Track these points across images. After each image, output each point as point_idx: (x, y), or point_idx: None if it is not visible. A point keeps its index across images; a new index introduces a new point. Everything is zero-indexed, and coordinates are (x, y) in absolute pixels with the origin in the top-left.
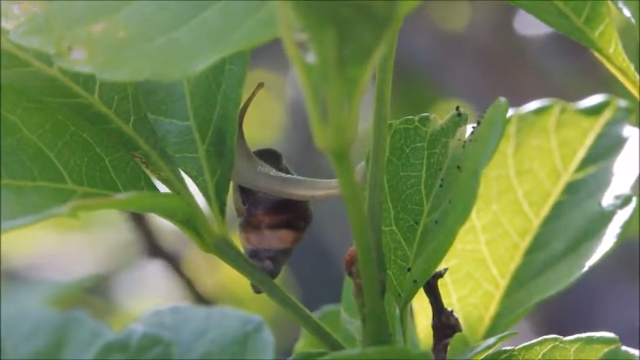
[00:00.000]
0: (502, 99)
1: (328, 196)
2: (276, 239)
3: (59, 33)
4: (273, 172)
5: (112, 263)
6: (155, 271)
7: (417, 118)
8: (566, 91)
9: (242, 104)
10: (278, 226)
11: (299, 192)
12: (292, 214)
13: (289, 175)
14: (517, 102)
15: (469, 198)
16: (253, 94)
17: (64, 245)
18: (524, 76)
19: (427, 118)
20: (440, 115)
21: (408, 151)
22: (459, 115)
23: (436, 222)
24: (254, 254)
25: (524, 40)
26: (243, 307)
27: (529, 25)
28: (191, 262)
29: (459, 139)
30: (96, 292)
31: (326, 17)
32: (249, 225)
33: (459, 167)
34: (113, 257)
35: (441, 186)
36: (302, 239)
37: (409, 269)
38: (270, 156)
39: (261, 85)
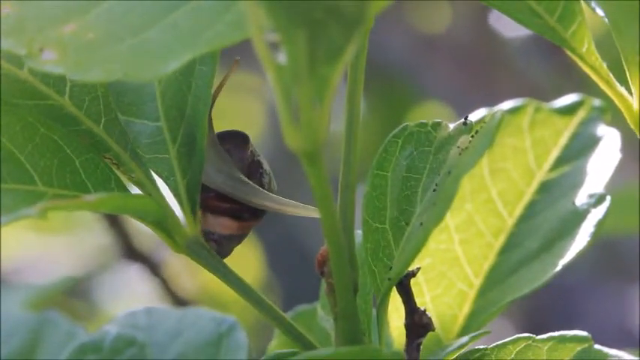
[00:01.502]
0: (499, 113)
1: (277, 210)
2: (219, 225)
3: (30, 34)
4: (233, 173)
5: (91, 266)
6: (135, 273)
7: (430, 123)
8: (544, 91)
9: (216, 86)
10: (220, 213)
11: (250, 199)
12: (235, 204)
13: (246, 181)
14: (495, 102)
15: (447, 201)
16: (229, 74)
17: (44, 249)
18: (503, 77)
19: (439, 124)
20: (418, 116)
21: (415, 153)
22: (465, 124)
23: (421, 224)
24: (203, 234)
25: (503, 40)
26: (224, 310)
27: (507, 26)
28: (171, 264)
29: (458, 147)
30: (76, 295)
31: (297, 18)
32: (201, 206)
33: (449, 173)
34: (93, 260)
35: (434, 190)
36: (254, 226)
37: (391, 268)
38: (235, 139)
39: (236, 63)
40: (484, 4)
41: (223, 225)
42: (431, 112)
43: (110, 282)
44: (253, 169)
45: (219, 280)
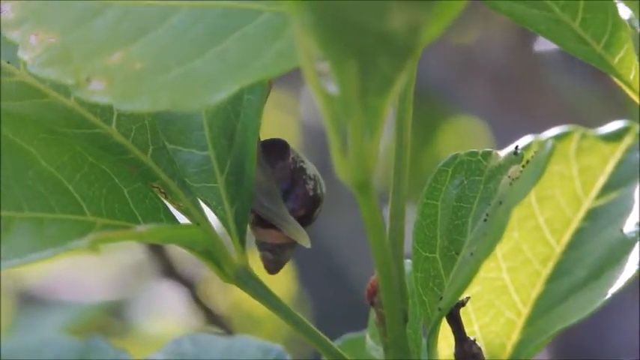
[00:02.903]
0: (550, 142)
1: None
2: (268, 236)
3: (77, 64)
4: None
5: (126, 284)
6: (168, 290)
7: (480, 152)
8: (579, 110)
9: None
10: (265, 225)
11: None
12: None
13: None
14: (530, 120)
15: (498, 231)
16: (266, 94)
17: (78, 265)
18: (537, 95)
19: (490, 154)
20: (451, 134)
21: (466, 182)
22: (516, 154)
23: (471, 254)
24: (257, 244)
25: (538, 57)
26: (258, 327)
27: (543, 43)
28: (205, 281)
29: (509, 177)
30: (110, 313)
31: (348, 48)
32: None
33: (501, 203)
34: (127, 278)
35: (485, 220)
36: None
37: (441, 298)
38: (275, 147)
39: (271, 83)
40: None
41: (272, 235)
42: (465, 130)
43: (143, 299)
44: (297, 177)
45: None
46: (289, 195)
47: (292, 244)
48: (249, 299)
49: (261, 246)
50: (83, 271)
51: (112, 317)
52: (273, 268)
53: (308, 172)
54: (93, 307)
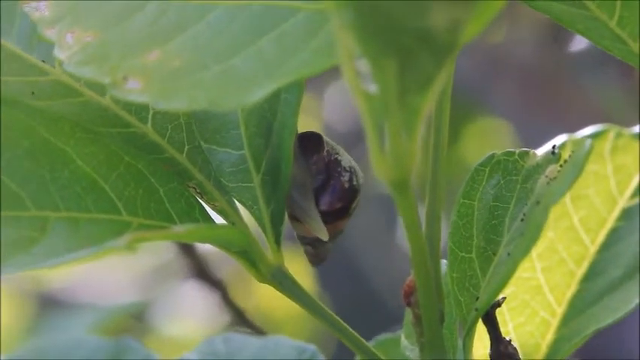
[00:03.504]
0: (588, 142)
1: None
2: (306, 230)
3: (114, 62)
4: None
5: (148, 286)
6: (191, 293)
7: (517, 151)
8: (606, 110)
9: None
10: (298, 220)
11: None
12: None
13: (305, 205)
14: (556, 122)
15: (536, 231)
16: None
17: (101, 268)
18: (564, 95)
19: (527, 153)
20: (480, 133)
21: (503, 182)
22: (554, 153)
23: (508, 254)
24: (298, 238)
25: (566, 58)
26: (279, 328)
27: (572, 43)
28: (228, 281)
29: (547, 177)
30: (133, 316)
31: (387, 46)
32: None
33: (538, 202)
34: (149, 280)
35: (522, 220)
36: (344, 225)
37: (477, 298)
38: (309, 141)
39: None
40: (553, 22)
41: (309, 229)
42: (492, 130)
43: (166, 301)
44: (332, 169)
45: (274, 298)
46: (325, 188)
47: (333, 237)
48: (269, 301)
49: (302, 240)
50: (106, 273)
51: (136, 320)
52: (315, 261)
53: (343, 164)
54: (116, 310)
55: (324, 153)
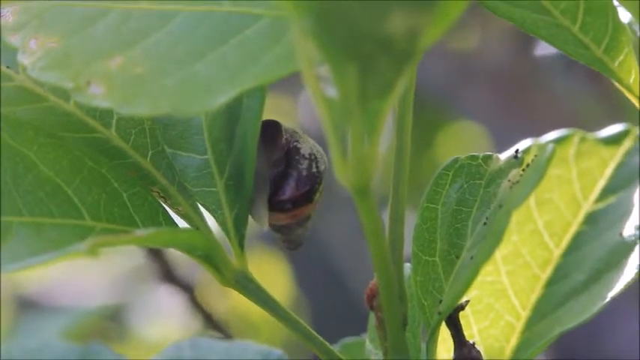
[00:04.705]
0: (550, 146)
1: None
2: (274, 218)
3: (77, 68)
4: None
5: (124, 289)
6: (166, 295)
7: (481, 155)
8: (578, 113)
9: None
10: (269, 209)
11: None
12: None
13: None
14: (529, 125)
15: (498, 235)
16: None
17: (76, 270)
18: (537, 99)
19: (490, 157)
20: (451, 138)
21: (466, 186)
22: (516, 158)
23: (471, 258)
24: (271, 227)
25: (537, 61)
26: (255, 331)
27: (543, 47)
28: (202, 285)
29: (509, 181)
30: (109, 318)
31: (348, 52)
32: None
33: (501, 206)
34: (125, 282)
35: (485, 224)
36: (310, 211)
37: (441, 301)
38: (267, 130)
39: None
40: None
41: (277, 218)
42: (465, 134)
43: (141, 303)
44: (290, 157)
45: (249, 302)
46: (285, 176)
47: (300, 223)
48: (245, 304)
49: (273, 228)
50: (82, 276)
51: (111, 322)
52: (288, 247)
53: (302, 151)
54: (92, 312)
55: (283, 141)
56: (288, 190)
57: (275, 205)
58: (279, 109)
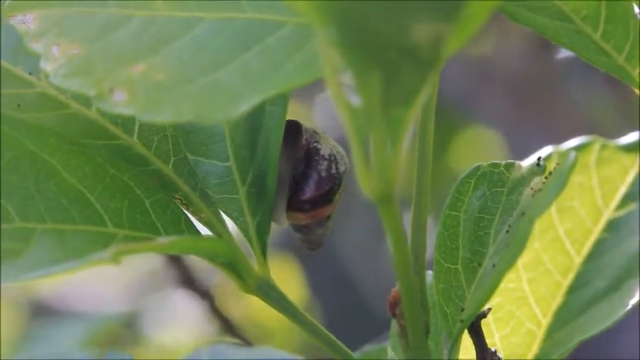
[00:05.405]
0: (572, 154)
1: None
2: (293, 218)
3: (100, 75)
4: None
5: (140, 294)
6: (182, 301)
7: (503, 163)
8: (596, 119)
9: None
10: (288, 209)
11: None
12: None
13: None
14: (546, 132)
15: (521, 242)
16: None
17: (92, 276)
18: (554, 105)
19: (512, 165)
20: (468, 145)
21: (488, 194)
22: (539, 165)
23: (493, 265)
24: (292, 227)
25: (555, 68)
26: (269, 337)
27: (561, 53)
28: (219, 290)
29: (532, 188)
30: (124, 324)
31: (371, 59)
32: None
33: (523, 214)
34: (141, 288)
35: (507, 232)
36: (330, 211)
37: (463, 309)
38: (288, 131)
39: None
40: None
41: (296, 217)
42: (482, 141)
43: (157, 309)
44: (309, 157)
45: (264, 307)
46: (304, 177)
47: (319, 223)
48: (259, 310)
49: (293, 227)
50: (97, 281)
51: (127, 328)
52: (309, 247)
53: (322, 152)
54: (107, 318)
55: (303, 142)
56: (308, 191)
57: (294, 206)
58: (296, 115)
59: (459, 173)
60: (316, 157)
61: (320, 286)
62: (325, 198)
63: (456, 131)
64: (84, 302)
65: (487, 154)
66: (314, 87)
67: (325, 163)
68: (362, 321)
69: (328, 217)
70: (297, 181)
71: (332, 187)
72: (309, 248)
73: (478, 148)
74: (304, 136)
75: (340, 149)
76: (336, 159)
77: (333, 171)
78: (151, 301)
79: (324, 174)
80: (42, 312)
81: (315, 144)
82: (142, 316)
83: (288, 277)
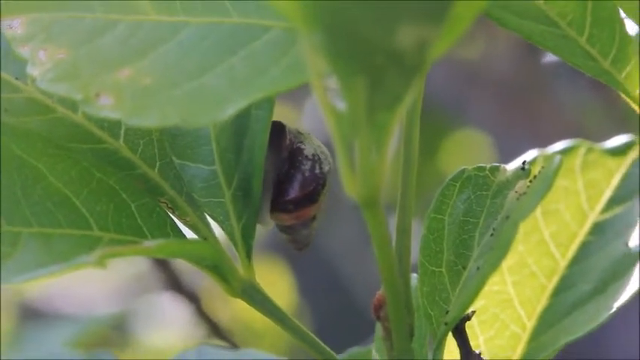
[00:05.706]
0: (557, 158)
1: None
2: (278, 219)
3: (86, 79)
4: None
5: (128, 296)
6: (171, 303)
7: (488, 166)
8: (583, 122)
9: None
10: (272, 209)
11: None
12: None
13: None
14: (534, 135)
15: (505, 246)
16: None
17: (80, 278)
18: (542, 108)
19: (497, 169)
20: (456, 148)
21: (473, 197)
22: (523, 169)
23: (478, 268)
24: (278, 228)
25: (542, 71)
26: (258, 339)
27: (548, 57)
28: (207, 293)
29: (516, 192)
30: (113, 326)
31: (356, 64)
32: None
33: (508, 217)
34: (130, 290)
35: (491, 235)
36: (315, 211)
37: (447, 311)
38: (272, 132)
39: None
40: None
41: (281, 218)
42: (470, 143)
43: (145, 311)
44: (293, 158)
45: (253, 310)
46: (288, 177)
47: (304, 224)
48: (248, 312)
49: (278, 228)
50: (86, 283)
51: (115, 330)
52: (296, 247)
53: (306, 152)
54: (96, 320)
55: (287, 142)
56: (292, 192)
57: (279, 206)
58: (284, 119)
59: (449, 176)
60: (300, 158)
61: (309, 288)
62: (309, 198)
63: (445, 134)
64: (73, 305)
65: (476, 156)
66: (303, 91)
67: (309, 163)
68: (351, 322)
69: (313, 218)
70: (281, 181)
71: (316, 187)
72: (295, 248)
73: (467, 151)
74: (288, 137)
75: (325, 149)
76: (320, 159)
77: (317, 171)
78: (139, 303)
79: (307, 174)
80: (31, 315)
81: (299, 144)
82: (131, 319)
83: (276, 280)
